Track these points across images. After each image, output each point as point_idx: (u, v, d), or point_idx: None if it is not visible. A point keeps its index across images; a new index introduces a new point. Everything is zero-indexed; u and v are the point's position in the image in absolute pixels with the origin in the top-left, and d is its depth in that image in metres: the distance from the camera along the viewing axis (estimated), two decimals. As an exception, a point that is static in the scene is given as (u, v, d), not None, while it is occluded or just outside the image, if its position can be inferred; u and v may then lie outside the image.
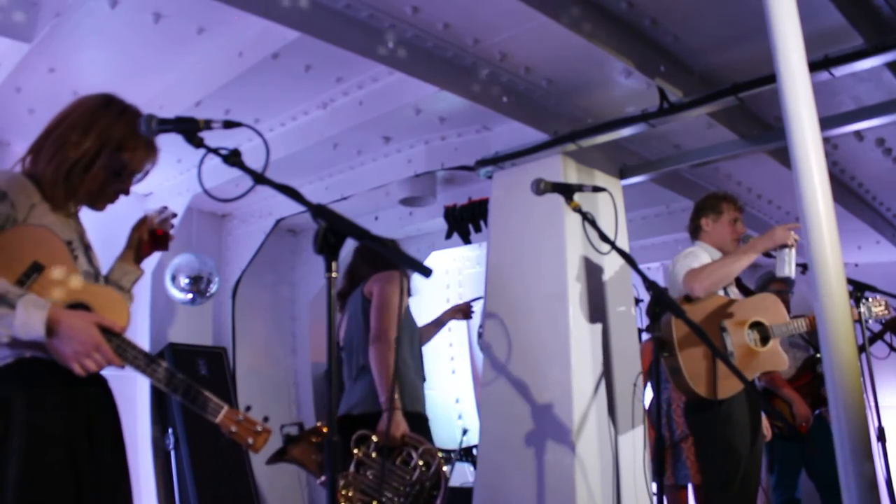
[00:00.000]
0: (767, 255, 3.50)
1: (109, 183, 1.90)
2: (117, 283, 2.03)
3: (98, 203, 1.93)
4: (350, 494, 2.57)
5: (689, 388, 3.06)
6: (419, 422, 3.01)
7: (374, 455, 2.65)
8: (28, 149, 1.87)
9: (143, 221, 2.09)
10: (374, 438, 2.66)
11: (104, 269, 2.03)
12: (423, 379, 3.21)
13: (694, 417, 3.24)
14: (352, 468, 2.61)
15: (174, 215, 2.12)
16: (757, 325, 3.22)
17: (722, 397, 3.06)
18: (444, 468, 2.69)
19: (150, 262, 4.69)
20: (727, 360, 2.31)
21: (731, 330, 3.16)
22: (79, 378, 1.70)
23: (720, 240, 3.38)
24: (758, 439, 3.18)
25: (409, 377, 3.06)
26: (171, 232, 2.13)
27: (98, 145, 1.85)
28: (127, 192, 1.95)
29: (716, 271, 3.11)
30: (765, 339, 3.24)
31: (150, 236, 2.09)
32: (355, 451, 2.63)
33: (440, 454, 2.70)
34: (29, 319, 1.61)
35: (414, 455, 2.68)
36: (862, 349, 3.12)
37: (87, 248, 1.92)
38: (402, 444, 2.72)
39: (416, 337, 3.25)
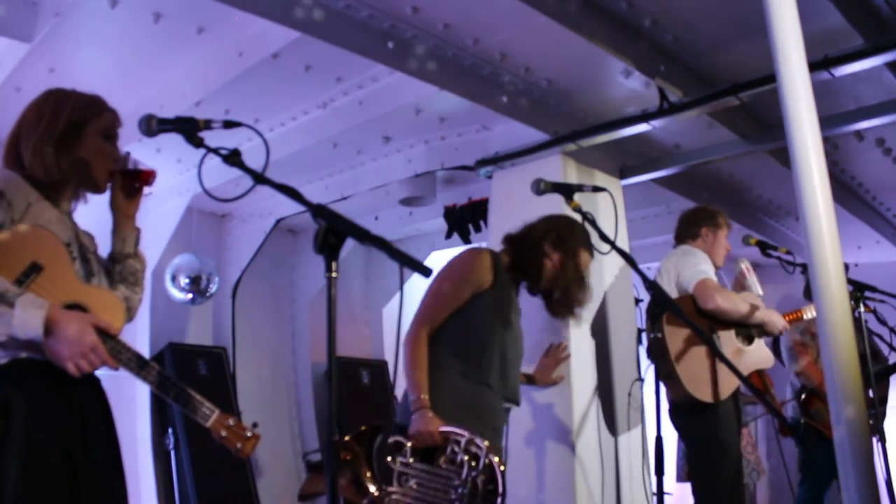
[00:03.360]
0: (767, 255, 3.51)
1: (104, 147, 1.91)
2: (121, 252, 2.03)
3: (98, 176, 1.91)
4: None
5: (687, 393, 3.06)
6: None
7: (412, 461, 2.29)
8: (3, 158, 1.87)
9: (115, 175, 2.00)
10: (408, 443, 2.30)
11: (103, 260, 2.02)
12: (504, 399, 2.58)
13: (686, 419, 3.24)
14: (394, 484, 2.26)
15: (128, 153, 2.01)
16: (741, 326, 3.25)
17: (719, 399, 3.07)
18: (496, 459, 2.28)
19: (150, 261, 4.68)
20: (727, 361, 2.32)
21: (719, 333, 3.18)
22: (72, 378, 1.70)
23: (715, 252, 3.40)
24: (740, 435, 3.24)
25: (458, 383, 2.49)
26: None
27: (77, 114, 1.87)
28: (119, 158, 1.95)
29: (736, 305, 3.15)
30: (749, 339, 3.27)
31: (124, 180, 1.99)
32: (392, 464, 2.29)
33: (487, 443, 2.27)
34: (27, 318, 1.61)
35: (458, 450, 2.28)
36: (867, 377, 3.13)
37: (83, 248, 1.92)
38: (443, 442, 2.31)
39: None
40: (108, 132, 1.93)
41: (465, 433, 2.30)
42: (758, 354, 3.29)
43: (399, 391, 2.94)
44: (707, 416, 3.10)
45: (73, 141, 1.86)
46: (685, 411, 3.20)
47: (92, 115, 1.90)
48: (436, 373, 2.43)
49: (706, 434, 3.14)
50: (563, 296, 2.65)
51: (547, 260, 2.66)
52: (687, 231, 3.47)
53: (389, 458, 2.28)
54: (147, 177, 2.01)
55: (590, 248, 2.74)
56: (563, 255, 2.66)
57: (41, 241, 1.76)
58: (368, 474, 2.17)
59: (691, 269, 3.20)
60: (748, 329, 3.27)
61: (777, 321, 3.27)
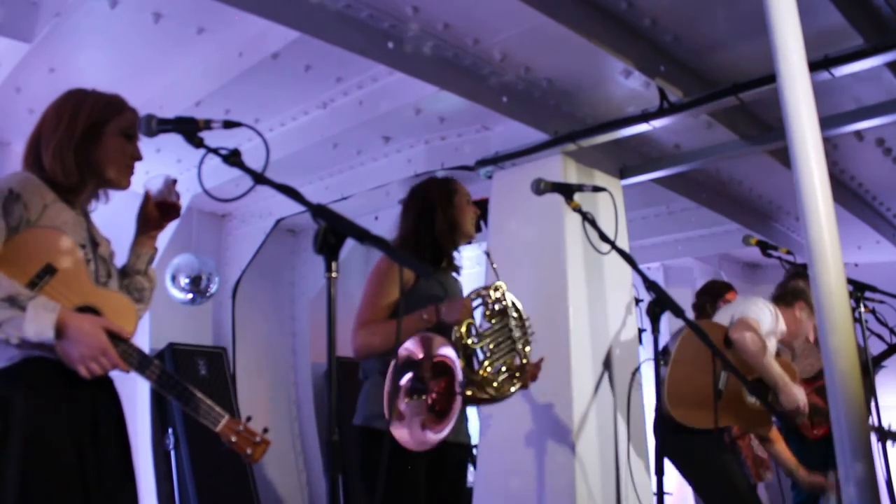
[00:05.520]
0: (767, 255, 3.51)
1: (125, 147, 1.90)
2: (132, 267, 2.04)
3: (120, 174, 1.91)
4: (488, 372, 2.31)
5: (663, 403, 2.96)
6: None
7: (478, 331, 2.36)
8: (23, 160, 1.87)
9: (147, 199, 2.04)
10: (468, 321, 2.34)
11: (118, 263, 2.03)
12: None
13: (667, 437, 3.02)
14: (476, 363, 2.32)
15: (175, 181, 2.04)
16: (758, 382, 3.16)
17: (691, 425, 3.01)
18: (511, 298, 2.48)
19: (150, 262, 4.70)
20: (725, 359, 2.28)
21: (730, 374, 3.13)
22: (84, 379, 1.71)
23: (794, 332, 3.28)
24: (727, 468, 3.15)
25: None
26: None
27: (97, 114, 1.87)
28: (140, 157, 1.94)
29: (760, 351, 3.02)
30: (755, 394, 3.19)
31: (159, 209, 2.03)
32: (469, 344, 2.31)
33: (502, 284, 2.47)
34: (39, 322, 1.62)
35: (490, 301, 2.44)
36: (867, 371, 3.08)
37: (99, 249, 1.91)
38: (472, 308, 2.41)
39: None
40: (129, 131, 1.92)
41: (482, 288, 2.45)
42: (757, 414, 3.19)
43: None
44: (684, 439, 3.04)
45: (92, 142, 1.86)
46: (670, 429, 3.06)
47: (112, 115, 1.90)
48: (380, 380, 2.36)
49: (700, 457, 3.10)
50: (448, 235, 2.59)
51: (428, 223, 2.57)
52: (786, 295, 3.37)
53: (467, 340, 2.32)
54: (174, 215, 2.04)
55: (451, 182, 2.67)
56: (436, 208, 2.57)
57: (56, 243, 1.76)
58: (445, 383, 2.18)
59: (749, 307, 3.13)
60: (761, 389, 3.19)
61: (793, 395, 3.08)
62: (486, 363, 2.33)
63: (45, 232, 1.76)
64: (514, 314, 2.46)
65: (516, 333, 2.43)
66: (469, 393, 2.21)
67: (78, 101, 1.89)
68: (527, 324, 2.50)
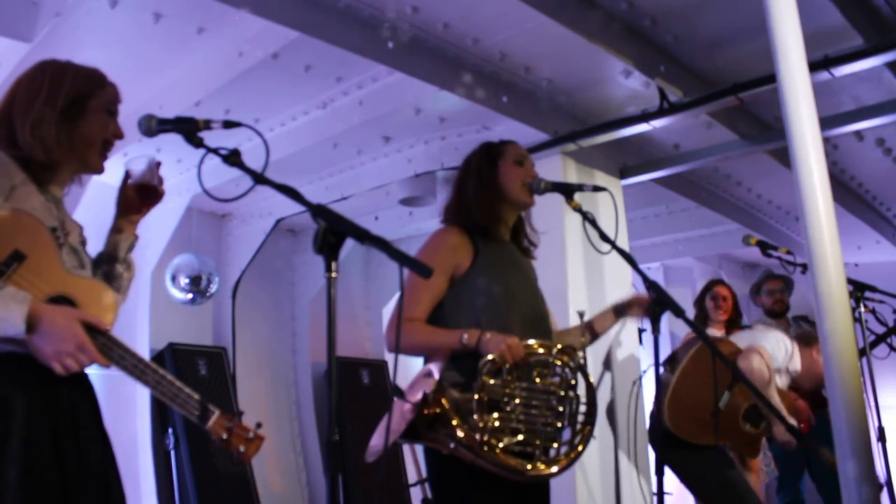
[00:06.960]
0: (767, 255, 3.51)
1: (107, 123, 1.79)
2: (110, 255, 1.88)
3: (97, 154, 1.79)
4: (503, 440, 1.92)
5: (662, 411, 3.01)
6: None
7: (509, 378, 1.97)
8: None
9: (126, 181, 1.91)
10: (491, 357, 1.95)
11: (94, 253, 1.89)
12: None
13: (672, 453, 3.09)
14: (490, 411, 1.92)
15: (158, 164, 1.92)
16: (754, 408, 3.22)
17: (686, 437, 3.02)
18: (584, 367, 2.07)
19: (150, 261, 4.71)
20: (720, 353, 2.27)
21: (735, 393, 3.14)
22: (59, 376, 1.58)
23: (808, 372, 3.33)
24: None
25: None
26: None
27: (78, 87, 1.76)
28: (122, 135, 1.83)
29: (765, 377, 3.06)
30: (750, 420, 3.24)
31: (138, 192, 1.90)
32: (494, 388, 1.94)
33: (583, 354, 2.08)
34: (8, 315, 1.49)
35: (550, 362, 2.02)
36: (863, 353, 3.12)
37: (68, 235, 1.76)
38: (528, 356, 2.01)
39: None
40: (111, 107, 1.82)
41: (552, 344, 2.07)
42: (748, 438, 3.23)
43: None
44: (686, 455, 3.06)
45: (76, 117, 1.74)
46: (663, 439, 3.06)
47: (94, 89, 1.79)
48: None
49: (704, 474, 3.11)
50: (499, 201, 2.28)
51: (476, 192, 2.27)
52: (807, 334, 3.45)
53: (492, 381, 1.95)
54: (154, 200, 1.94)
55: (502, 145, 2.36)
56: (482, 175, 2.28)
57: (24, 227, 1.61)
58: (455, 422, 1.88)
59: (766, 338, 3.20)
60: (757, 415, 3.23)
61: (782, 432, 3.13)
62: (497, 415, 1.93)
63: (12, 215, 1.60)
64: (572, 389, 2.04)
65: (562, 409, 2.01)
66: (459, 432, 1.87)
67: (56, 73, 1.77)
68: (588, 416, 2.06)
